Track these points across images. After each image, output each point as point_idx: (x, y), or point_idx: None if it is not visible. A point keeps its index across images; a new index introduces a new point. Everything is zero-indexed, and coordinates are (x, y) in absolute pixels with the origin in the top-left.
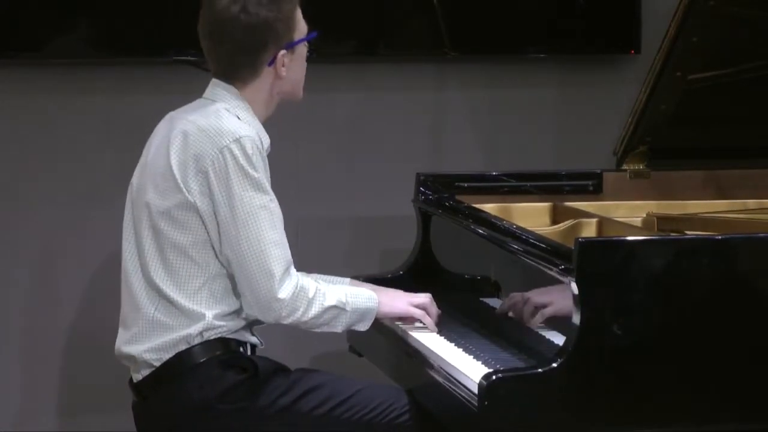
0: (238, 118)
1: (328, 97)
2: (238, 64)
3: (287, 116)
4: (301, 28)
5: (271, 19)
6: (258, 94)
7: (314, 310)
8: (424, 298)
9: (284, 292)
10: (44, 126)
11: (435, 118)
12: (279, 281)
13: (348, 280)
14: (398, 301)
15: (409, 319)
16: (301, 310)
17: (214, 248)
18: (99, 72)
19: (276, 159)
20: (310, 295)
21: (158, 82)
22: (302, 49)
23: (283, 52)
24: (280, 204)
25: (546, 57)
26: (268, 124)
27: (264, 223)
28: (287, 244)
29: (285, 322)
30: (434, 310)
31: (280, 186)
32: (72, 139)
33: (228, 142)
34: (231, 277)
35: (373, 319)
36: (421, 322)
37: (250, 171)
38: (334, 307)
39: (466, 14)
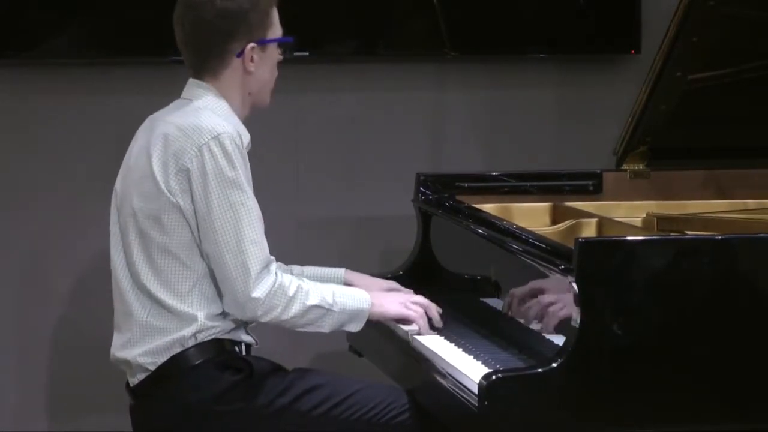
0: (217, 115)
1: (328, 97)
2: (207, 52)
3: (287, 116)
4: (276, 29)
5: (245, 8)
6: (231, 89)
7: (294, 309)
8: (420, 300)
9: (260, 291)
10: (43, 126)
11: (435, 118)
12: (255, 279)
13: (342, 270)
14: (392, 303)
15: (404, 320)
16: (279, 308)
17: (200, 248)
18: (99, 72)
19: (276, 159)
20: (290, 293)
21: (158, 82)
22: (273, 52)
23: (252, 45)
24: (281, 203)
25: (546, 57)
26: (267, 124)
27: (242, 221)
28: (266, 243)
29: (263, 320)
30: (433, 310)
31: (280, 186)
32: (71, 138)
33: (207, 139)
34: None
35: (364, 320)
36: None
37: (229, 168)
38: (318, 306)
39: (466, 14)
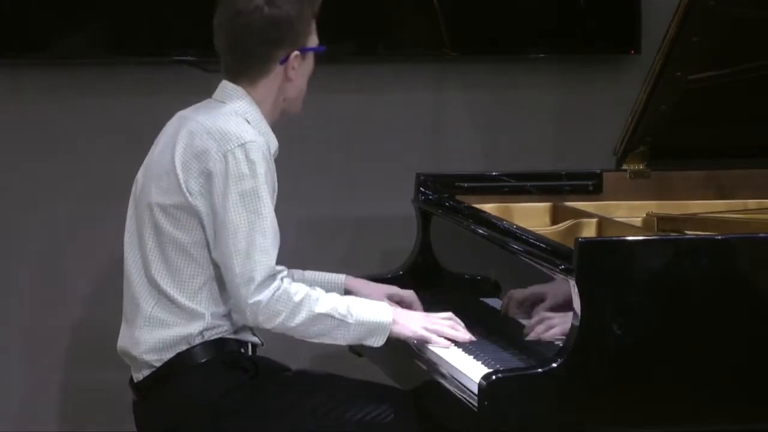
0: (247, 121)
1: (328, 97)
2: (251, 58)
3: (287, 116)
4: (314, 38)
5: (293, 17)
6: (266, 95)
7: (301, 316)
8: (440, 322)
9: (261, 296)
10: (45, 126)
11: (435, 118)
12: (258, 286)
13: (343, 276)
14: (412, 323)
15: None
16: (284, 315)
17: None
18: (99, 72)
19: (276, 159)
20: (296, 299)
21: (158, 82)
22: (311, 61)
23: (296, 53)
24: (280, 203)
25: (546, 57)
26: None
27: (255, 229)
28: (275, 254)
29: (268, 327)
30: (450, 332)
31: (280, 186)
32: (72, 138)
33: (233, 146)
34: None
35: (386, 334)
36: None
37: (250, 176)
38: (328, 316)
39: (466, 14)
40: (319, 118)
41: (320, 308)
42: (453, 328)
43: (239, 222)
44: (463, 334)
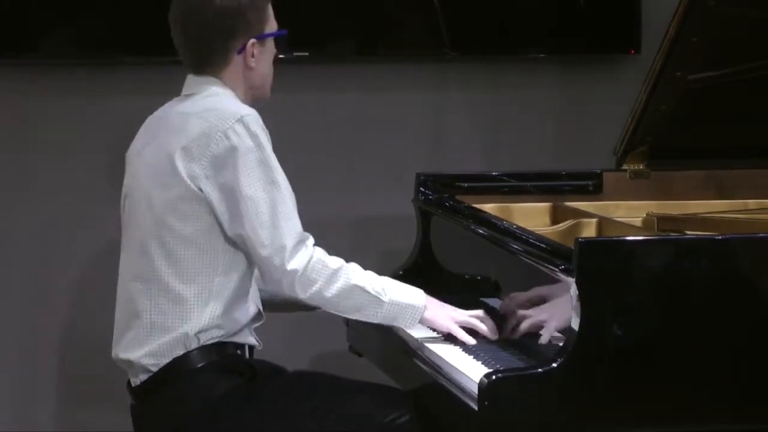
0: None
1: (328, 97)
2: (208, 49)
3: (287, 116)
4: (272, 23)
5: (244, 6)
6: (233, 85)
7: (337, 286)
8: (469, 315)
9: (296, 263)
10: (44, 126)
11: (435, 118)
12: (290, 253)
13: None
14: (444, 313)
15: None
16: (320, 283)
17: (222, 235)
18: (99, 72)
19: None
20: (333, 266)
21: (158, 82)
22: (271, 45)
23: (252, 41)
24: None
25: (546, 57)
26: (267, 124)
27: (275, 198)
28: (298, 219)
29: (304, 296)
30: (481, 325)
31: None
32: (72, 139)
33: (232, 123)
34: (234, 278)
35: (418, 317)
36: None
37: (256, 149)
38: (363, 290)
39: (466, 14)
40: (319, 118)
41: (356, 280)
42: (482, 321)
43: (257, 194)
44: (492, 331)
